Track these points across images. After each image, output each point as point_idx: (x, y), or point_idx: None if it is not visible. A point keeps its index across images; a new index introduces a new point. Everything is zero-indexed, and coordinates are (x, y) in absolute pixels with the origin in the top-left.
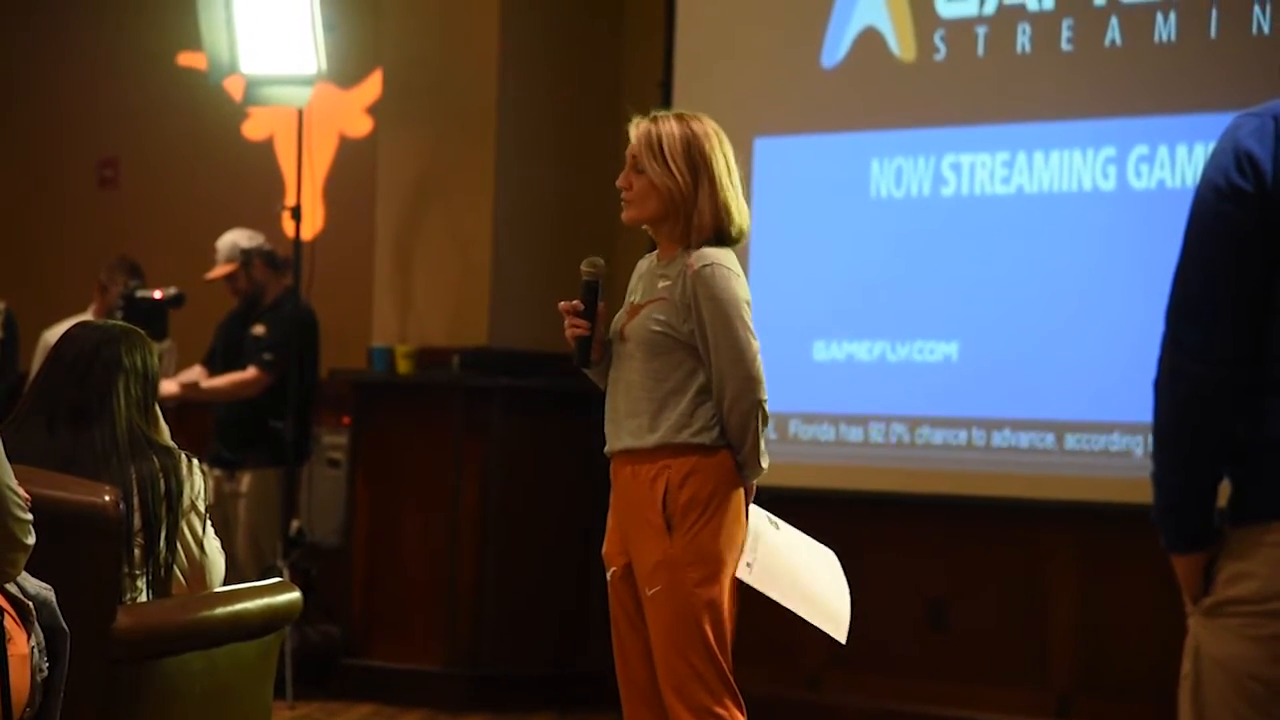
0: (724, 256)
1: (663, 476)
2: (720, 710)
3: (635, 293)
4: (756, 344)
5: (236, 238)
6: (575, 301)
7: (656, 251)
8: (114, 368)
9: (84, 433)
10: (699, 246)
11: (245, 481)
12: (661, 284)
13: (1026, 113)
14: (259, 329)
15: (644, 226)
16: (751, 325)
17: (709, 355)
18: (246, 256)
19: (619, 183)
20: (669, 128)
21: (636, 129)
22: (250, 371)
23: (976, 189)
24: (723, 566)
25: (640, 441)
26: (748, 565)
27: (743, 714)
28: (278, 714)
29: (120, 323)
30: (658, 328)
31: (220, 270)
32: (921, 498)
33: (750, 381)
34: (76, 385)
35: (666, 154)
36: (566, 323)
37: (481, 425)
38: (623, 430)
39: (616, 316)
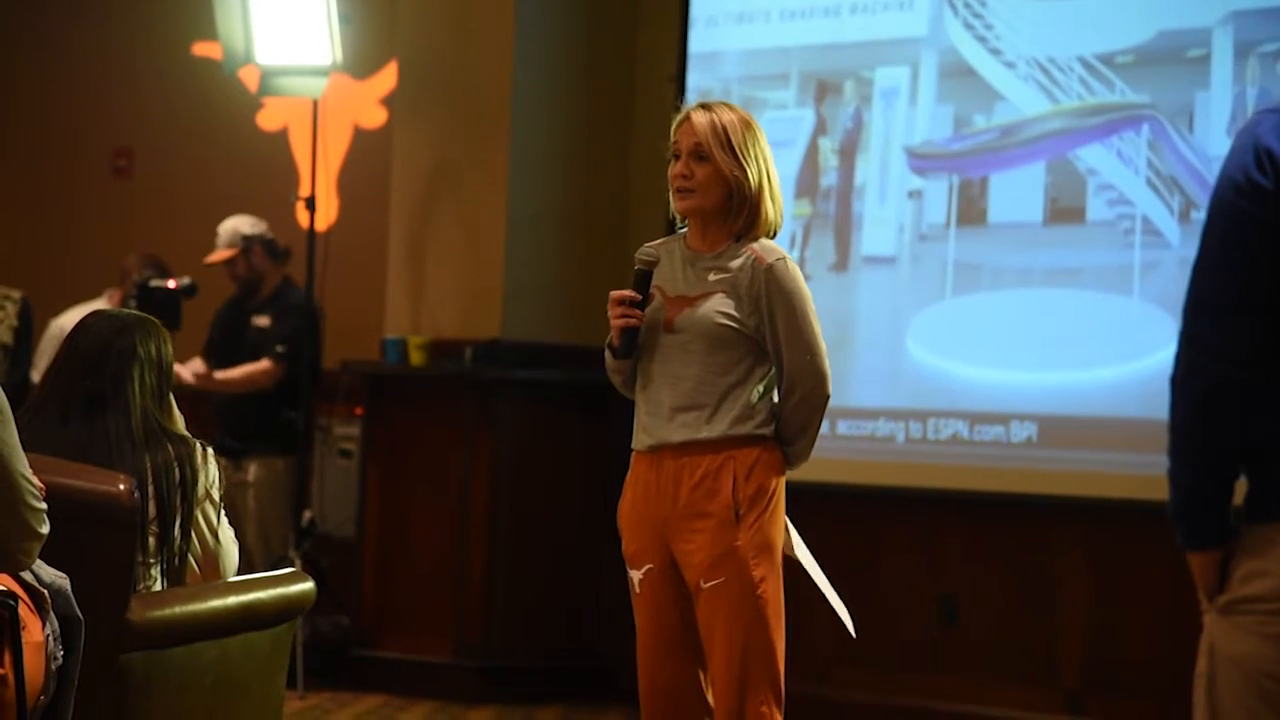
0: (783, 250)
1: (728, 468)
2: (764, 709)
3: (674, 284)
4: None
5: (239, 223)
6: (631, 291)
7: (683, 240)
8: (129, 357)
9: (99, 421)
10: (756, 239)
11: (251, 471)
12: (714, 276)
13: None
14: (263, 320)
15: (680, 217)
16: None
17: (780, 349)
18: (247, 243)
19: (677, 171)
20: (729, 117)
21: (694, 117)
22: (264, 363)
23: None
24: (776, 558)
25: (697, 434)
26: (795, 545)
27: (781, 713)
28: (289, 704)
29: (135, 312)
30: (726, 321)
31: (220, 254)
32: (932, 493)
33: (822, 377)
34: (91, 374)
35: (735, 145)
36: (617, 312)
37: (494, 417)
38: (672, 424)
39: (653, 308)
